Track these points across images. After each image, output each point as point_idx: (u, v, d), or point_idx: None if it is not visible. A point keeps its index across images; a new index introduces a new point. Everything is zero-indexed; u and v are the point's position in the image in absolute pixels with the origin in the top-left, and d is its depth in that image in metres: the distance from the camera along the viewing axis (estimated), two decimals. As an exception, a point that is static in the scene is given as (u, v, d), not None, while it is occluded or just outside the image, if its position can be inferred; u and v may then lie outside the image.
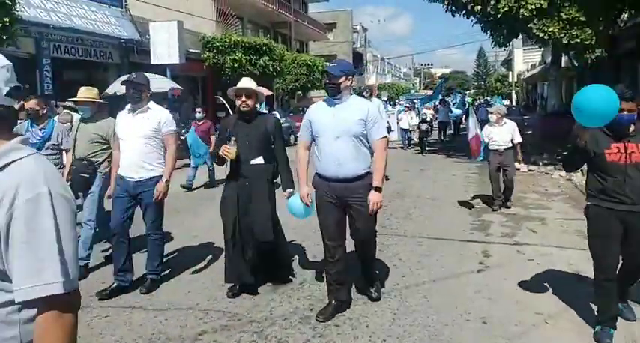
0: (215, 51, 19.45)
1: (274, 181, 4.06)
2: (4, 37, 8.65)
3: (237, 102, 3.92)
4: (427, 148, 15.53)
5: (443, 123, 20.13)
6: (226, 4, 22.77)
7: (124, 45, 16.67)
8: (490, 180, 7.23)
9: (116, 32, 16.16)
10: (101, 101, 4.76)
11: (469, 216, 6.88)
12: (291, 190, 3.97)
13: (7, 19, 8.28)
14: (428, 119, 17.09)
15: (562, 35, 10.19)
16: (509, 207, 7.22)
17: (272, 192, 4.02)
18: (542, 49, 30.89)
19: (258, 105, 4.42)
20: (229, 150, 3.80)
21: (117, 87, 14.03)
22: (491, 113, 7.36)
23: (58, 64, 14.66)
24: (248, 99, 3.91)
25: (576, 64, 13.01)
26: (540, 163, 11.34)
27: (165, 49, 15.47)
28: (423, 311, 3.74)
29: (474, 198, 8.08)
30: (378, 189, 3.42)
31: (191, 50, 19.36)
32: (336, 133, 3.41)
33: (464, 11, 12.45)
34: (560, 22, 10.17)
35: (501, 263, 4.86)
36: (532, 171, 10.74)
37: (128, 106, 4.12)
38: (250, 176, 3.90)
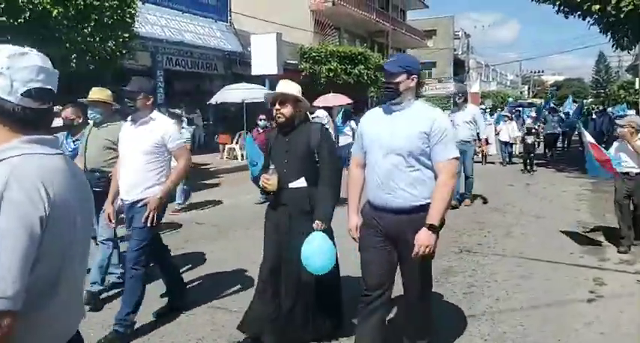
0: (312, 61, 19.82)
1: None
2: (124, 52, 9.41)
3: (273, 112, 3.18)
4: (535, 165, 12.87)
5: (551, 135, 16.26)
6: (324, 14, 23.16)
7: (227, 57, 17.58)
8: (616, 211, 5.66)
9: (221, 45, 17.08)
10: (114, 104, 4.24)
11: (580, 237, 6.16)
12: (320, 222, 3.01)
13: (126, 35, 9.00)
14: (533, 130, 13.60)
15: (698, 33, 8.86)
16: None
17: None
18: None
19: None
20: (269, 182, 3.09)
21: (218, 98, 14.86)
22: (621, 126, 5.48)
23: (169, 76, 15.82)
24: (283, 106, 3.12)
25: None
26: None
27: (264, 60, 16.01)
28: (519, 340, 3.33)
29: (592, 230, 6.46)
30: (432, 228, 2.52)
31: (289, 61, 19.94)
32: (388, 149, 2.63)
33: (579, 12, 11.38)
34: (696, 19, 8.86)
35: (618, 293, 4.24)
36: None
37: (129, 117, 3.55)
38: (290, 203, 3.12)
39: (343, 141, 10.86)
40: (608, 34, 12.28)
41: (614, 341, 3.33)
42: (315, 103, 13.49)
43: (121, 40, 8.95)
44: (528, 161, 12.58)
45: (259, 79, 15.84)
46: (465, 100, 8.40)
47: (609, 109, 23.39)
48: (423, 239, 2.51)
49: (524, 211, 7.80)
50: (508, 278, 4.60)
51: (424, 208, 2.59)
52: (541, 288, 4.34)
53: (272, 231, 3.22)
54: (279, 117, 3.14)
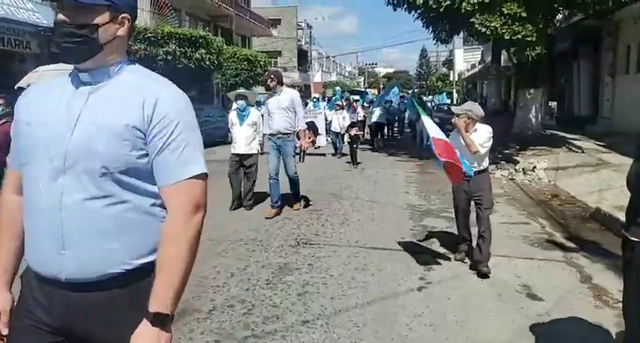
0: (147, 42, 18.19)
1: None
2: None
3: None
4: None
5: (378, 124, 16.06)
6: (161, -7, 21.44)
7: (42, 33, 15.17)
8: (455, 214, 4.82)
9: (33, 19, 14.65)
10: None
11: (409, 221, 6.36)
12: None
13: None
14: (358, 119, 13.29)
15: (504, 30, 9.94)
16: (484, 270, 4.31)
17: None
18: (482, 48, 31.53)
19: None
20: None
21: (31, 80, 12.68)
22: (457, 115, 4.46)
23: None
24: None
25: (515, 62, 12.95)
26: (482, 162, 11.09)
27: (87, 38, 14.16)
28: (353, 345, 3.11)
29: (426, 237, 5.57)
30: (160, 321, 1.34)
31: (120, 41, 18.08)
32: (63, 159, 1.34)
33: (405, 5, 12.05)
34: (502, 17, 9.93)
35: (444, 277, 4.33)
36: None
37: None
38: None
39: None
40: (430, 28, 13.28)
41: (443, 332, 3.29)
42: None
43: None
44: (354, 154, 11.65)
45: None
46: (280, 83, 6.54)
47: (430, 97, 25.60)
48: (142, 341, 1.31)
49: (359, 196, 7.93)
50: (343, 272, 4.43)
51: (138, 276, 1.39)
52: (375, 280, 4.24)
53: None
54: None
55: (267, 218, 6.34)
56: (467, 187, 4.49)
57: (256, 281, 4.20)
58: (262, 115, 6.98)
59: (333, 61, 68.83)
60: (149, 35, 18.24)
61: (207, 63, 20.26)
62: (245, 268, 4.53)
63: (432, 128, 4.37)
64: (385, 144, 16.54)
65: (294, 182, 6.85)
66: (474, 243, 4.54)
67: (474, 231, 4.57)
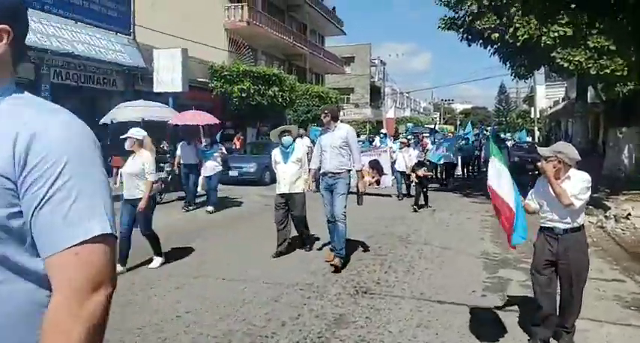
0: (223, 80, 18.96)
1: None
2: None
3: None
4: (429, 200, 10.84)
5: (449, 164, 15.09)
6: (239, 34, 22.47)
7: (127, 72, 16.24)
8: (533, 277, 3.71)
9: (120, 59, 15.74)
10: None
11: (483, 271, 5.76)
12: None
13: None
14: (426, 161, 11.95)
15: (589, 65, 9.11)
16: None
17: None
18: (566, 83, 29.91)
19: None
20: None
21: (113, 116, 13.43)
22: (546, 158, 3.59)
23: (57, 90, 14.19)
24: None
25: (604, 99, 11.97)
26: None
27: (168, 76, 14.94)
28: None
29: (499, 290, 4.89)
30: None
31: (199, 79, 18.94)
32: None
33: (480, 40, 11.59)
34: (588, 51, 9.11)
35: (520, 340, 3.76)
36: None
37: None
38: None
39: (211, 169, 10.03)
40: (507, 63, 12.66)
41: None
42: (172, 121, 12.41)
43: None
44: (422, 197, 10.58)
45: (164, 97, 14.72)
46: (335, 119, 6.05)
47: (508, 135, 24.05)
48: None
49: (428, 241, 7.40)
50: (404, 329, 3.98)
51: None
52: (439, 341, 3.76)
53: None
54: None
55: (327, 261, 5.88)
56: (554, 247, 3.53)
57: (307, 334, 3.86)
58: (308, 153, 6.83)
59: (407, 97, 68.51)
60: (225, 73, 19.01)
61: (280, 100, 20.71)
62: (298, 317, 4.22)
63: (495, 175, 3.60)
64: (459, 183, 15.74)
65: (337, 226, 5.81)
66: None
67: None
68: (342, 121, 6.49)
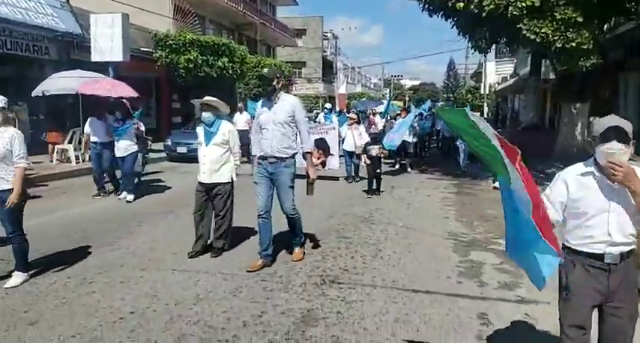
0: (168, 50, 17.77)
1: None
2: None
3: None
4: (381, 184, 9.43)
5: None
6: (185, 1, 21.09)
7: (61, 38, 14.80)
8: (563, 327, 2.38)
9: (52, 24, 14.29)
10: None
11: (453, 254, 5.47)
12: None
13: None
14: (375, 136, 10.38)
15: (556, 37, 8.93)
16: None
17: None
18: (515, 60, 30.40)
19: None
20: None
21: (46, 87, 12.12)
22: (611, 153, 2.15)
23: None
24: None
25: (558, 74, 11.96)
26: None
27: (107, 44, 13.72)
28: None
29: (476, 276, 4.58)
30: None
31: (142, 48, 17.66)
32: None
33: (441, 11, 11.20)
34: (555, 23, 8.91)
35: (507, 335, 3.45)
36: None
37: None
38: None
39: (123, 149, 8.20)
40: (467, 36, 12.37)
41: None
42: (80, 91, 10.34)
43: None
44: (375, 180, 9.20)
45: (103, 67, 13.52)
46: (287, 86, 4.95)
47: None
48: None
49: (392, 220, 7.07)
50: (380, 324, 3.58)
51: None
52: (420, 338, 3.39)
53: None
54: None
55: (248, 271, 4.64)
56: (602, 283, 2.28)
57: (274, 336, 3.39)
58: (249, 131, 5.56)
59: (359, 72, 68.19)
60: (170, 42, 17.82)
61: (230, 72, 19.75)
62: (261, 315, 3.73)
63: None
64: (412, 160, 15.22)
65: (293, 221, 5.00)
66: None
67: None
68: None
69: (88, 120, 8.76)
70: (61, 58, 15.05)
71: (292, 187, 4.85)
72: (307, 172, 5.12)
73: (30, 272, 4.44)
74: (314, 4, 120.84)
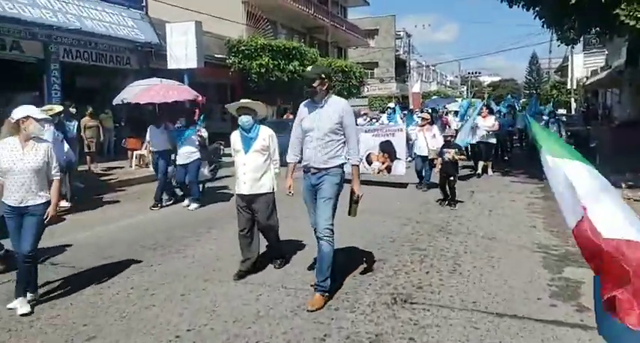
0: (241, 55, 18.05)
1: None
2: None
3: None
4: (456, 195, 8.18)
5: (485, 144, 11.67)
6: (256, 6, 21.40)
7: (140, 49, 15.46)
8: None
9: (132, 35, 14.94)
10: None
11: (544, 270, 4.83)
12: None
13: None
14: (449, 138, 8.86)
15: (659, 23, 7.84)
16: None
17: None
18: (607, 51, 27.91)
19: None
20: None
21: (124, 96, 12.61)
22: None
23: (68, 70, 13.52)
24: None
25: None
26: (624, 185, 9.01)
27: (182, 52, 14.13)
28: None
29: (573, 297, 3.93)
30: None
31: (216, 55, 18.06)
32: None
33: (523, 1, 10.31)
34: (658, 7, 7.84)
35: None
36: (628, 198, 8.19)
37: None
38: None
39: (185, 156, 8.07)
40: (552, 27, 11.33)
41: None
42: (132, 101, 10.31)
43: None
44: (449, 189, 8.13)
45: (179, 75, 13.91)
46: (329, 88, 4.17)
47: (544, 109, 20.50)
48: None
49: (472, 230, 6.47)
50: (460, 357, 3.12)
51: None
52: (509, 377, 2.89)
53: None
54: None
55: (309, 311, 3.82)
56: None
57: (337, 364, 3.03)
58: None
59: (433, 70, 66.32)
60: (243, 48, 18.09)
61: (301, 75, 19.71)
62: (324, 338, 3.39)
63: (586, 185, 1.76)
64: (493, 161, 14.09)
65: (324, 249, 4.01)
66: None
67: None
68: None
69: (149, 128, 8.62)
70: (141, 67, 15.73)
71: (332, 200, 4.08)
72: (352, 188, 4.26)
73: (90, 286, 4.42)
74: (386, 3, 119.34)
